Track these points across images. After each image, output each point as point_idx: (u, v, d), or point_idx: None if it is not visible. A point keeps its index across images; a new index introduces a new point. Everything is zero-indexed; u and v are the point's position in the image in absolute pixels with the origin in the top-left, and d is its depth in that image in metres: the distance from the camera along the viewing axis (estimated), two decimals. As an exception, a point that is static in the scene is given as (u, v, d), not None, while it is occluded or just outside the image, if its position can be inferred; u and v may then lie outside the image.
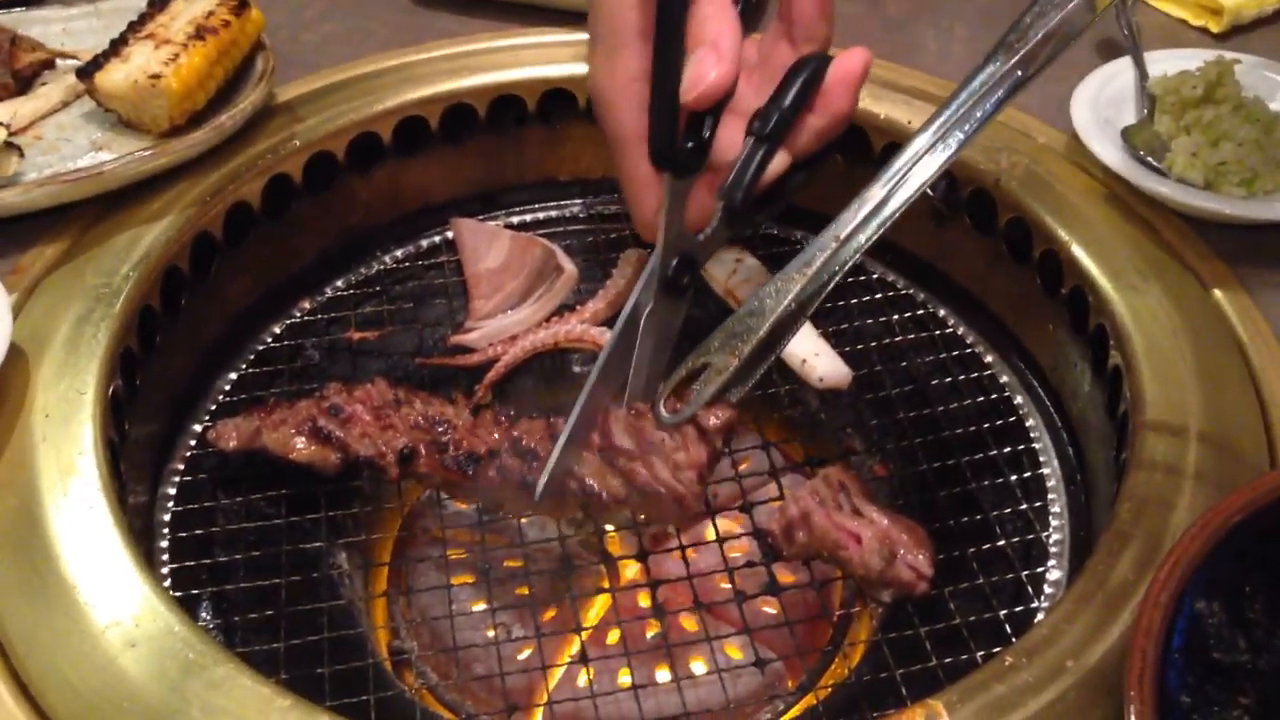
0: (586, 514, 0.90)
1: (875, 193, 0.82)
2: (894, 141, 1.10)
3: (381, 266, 1.17)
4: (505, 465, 0.86)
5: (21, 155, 1.00)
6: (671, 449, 0.86)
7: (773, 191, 0.82)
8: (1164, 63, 1.10)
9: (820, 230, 0.83)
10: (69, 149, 1.06)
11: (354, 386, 0.93)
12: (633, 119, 0.80)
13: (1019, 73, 0.79)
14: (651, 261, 0.84)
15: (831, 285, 0.83)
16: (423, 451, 0.88)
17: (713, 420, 0.86)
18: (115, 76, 1.04)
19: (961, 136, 0.80)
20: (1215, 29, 1.23)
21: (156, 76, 1.01)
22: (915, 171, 0.81)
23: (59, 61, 1.15)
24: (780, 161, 0.80)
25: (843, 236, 0.82)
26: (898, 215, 0.81)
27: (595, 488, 0.86)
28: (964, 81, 0.81)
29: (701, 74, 0.74)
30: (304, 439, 0.90)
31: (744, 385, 0.84)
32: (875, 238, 0.82)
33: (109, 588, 0.74)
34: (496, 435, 0.88)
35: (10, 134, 1.02)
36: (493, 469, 0.86)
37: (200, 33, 1.05)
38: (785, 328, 0.83)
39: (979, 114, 0.80)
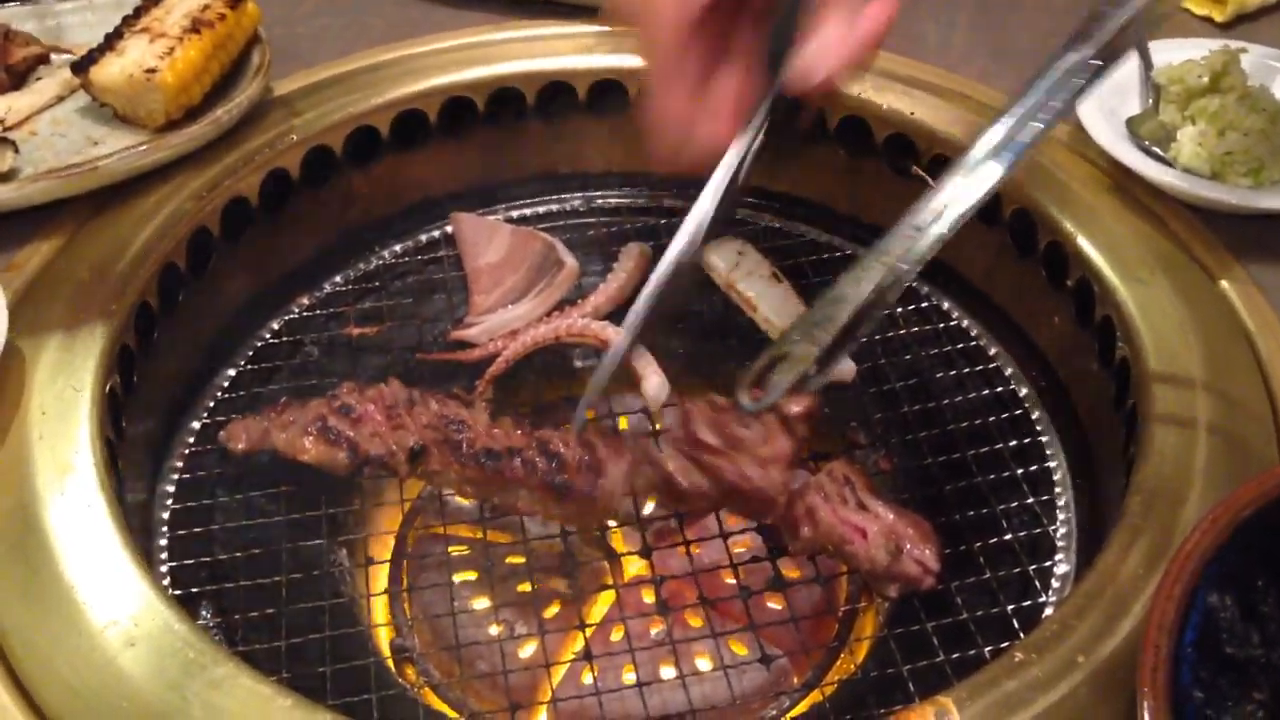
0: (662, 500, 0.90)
1: (954, 183, 0.78)
2: (898, 132, 1.10)
3: (380, 262, 1.16)
4: (529, 460, 0.85)
5: (16, 150, 0.99)
6: (756, 442, 0.85)
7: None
8: (1168, 52, 1.09)
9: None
10: (64, 144, 1.05)
11: (367, 387, 0.92)
12: None
13: (1099, 62, 0.78)
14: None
15: (912, 276, 0.78)
16: (434, 450, 0.87)
17: (794, 409, 0.86)
18: (110, 70, 1.03)
19: (1040, 126, 0.77)
20: (1219, 18, 1.22)
21: (152, 71, 1.00)
22: (988, 166, 0.78)
23: (54, 56, 1.15)
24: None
25: (921, 227, 0.78)
26: (976, 207, 0.78)
27: (681, 483, 0.85)
28: (1041, 71, 0.78)
29: None
30: (313, 439, 0.89)
31: (824, 375, 0.78)
32: (954, 229, 0.78)
33: (107, 586, 0.74)
34: (519, 435, 0.87)
35: (5, 129, 1.01)
36: (516, 461, 0.85)
37: (196, 26, 1.04)
38: (865, 317, 0.78)
39: (1056, 103, 0.78)
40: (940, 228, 0.78)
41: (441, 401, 0.91)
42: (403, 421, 0.89)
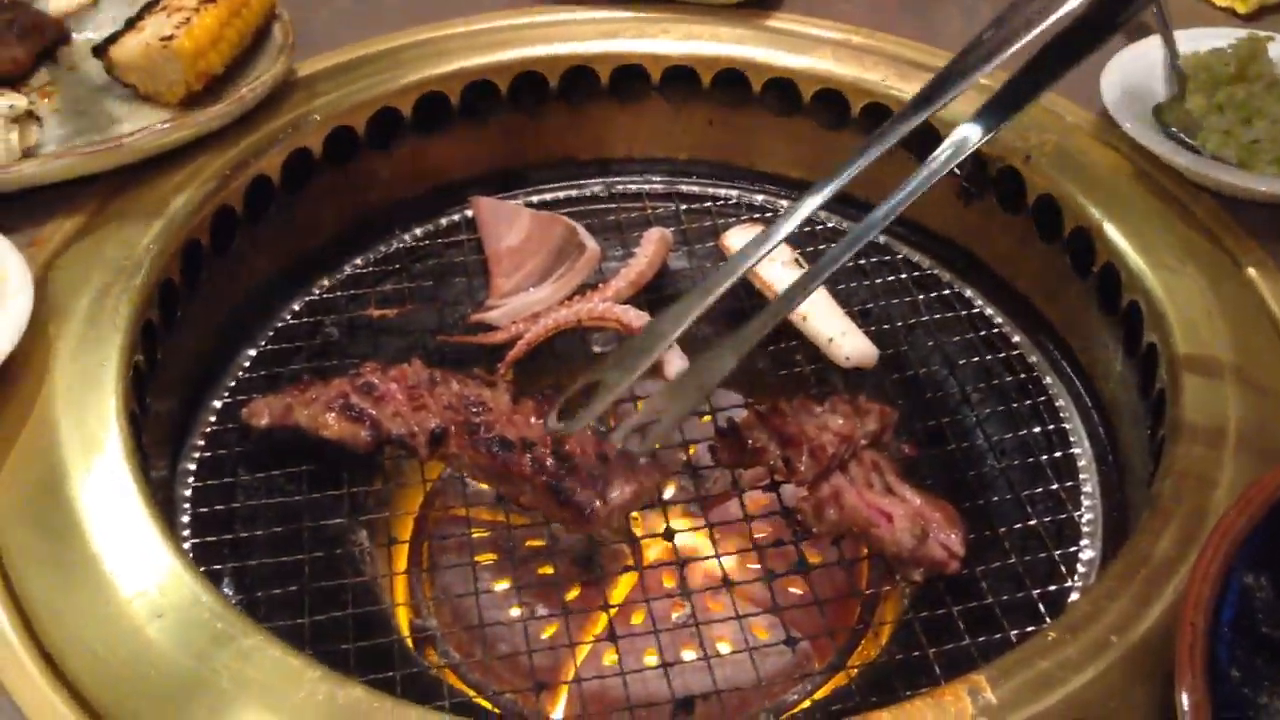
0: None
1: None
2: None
3: (401, 244, 1.16)
4: (539, 459, 0.85)
5: (41, 125, 0.98)
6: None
7: None
8: (1193, 42, 1.09)
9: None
10: (86, 122, 1.05)
11: (390, 366, 0.92)
12: None
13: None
14: None
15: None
16: (454, 432, 0.87)
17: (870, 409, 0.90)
18: (129, 45, 1.03)
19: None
20: (1242, 9, 1.22)
21: (169, 39, 1.00)
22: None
23: (74, 36, 1.14)
24: None
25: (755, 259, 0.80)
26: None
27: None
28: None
29: None
30: (335, 415, 0.89)
31: (674, 419, 0.80)
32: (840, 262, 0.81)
33: (134, 558, 0.73)
34: (535, 425, 0.87)
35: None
36: (526, 458, 0.85)
37: (212, -3, 1.04)
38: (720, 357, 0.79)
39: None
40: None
41: (463, 382, 0.91)
42: (424, 402, 0.89)
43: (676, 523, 0.93)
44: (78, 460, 0.79)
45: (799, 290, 0.81)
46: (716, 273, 0.80)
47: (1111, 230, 0.97)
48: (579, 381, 0.80)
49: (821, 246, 1.13)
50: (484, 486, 1.01)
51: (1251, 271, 0.94)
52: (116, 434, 0.80)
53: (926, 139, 1.09)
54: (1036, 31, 0.78)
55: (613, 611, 0.90)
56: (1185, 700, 0.60)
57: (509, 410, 0.89)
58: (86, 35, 1.14)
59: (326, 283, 1.11)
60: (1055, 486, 0.93)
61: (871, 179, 1.15)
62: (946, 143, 0.81)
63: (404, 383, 0.92)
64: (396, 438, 0.90)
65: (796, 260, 1.08)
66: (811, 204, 0.82)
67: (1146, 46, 1.09)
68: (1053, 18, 0.78)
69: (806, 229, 1.16)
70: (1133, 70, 1.06)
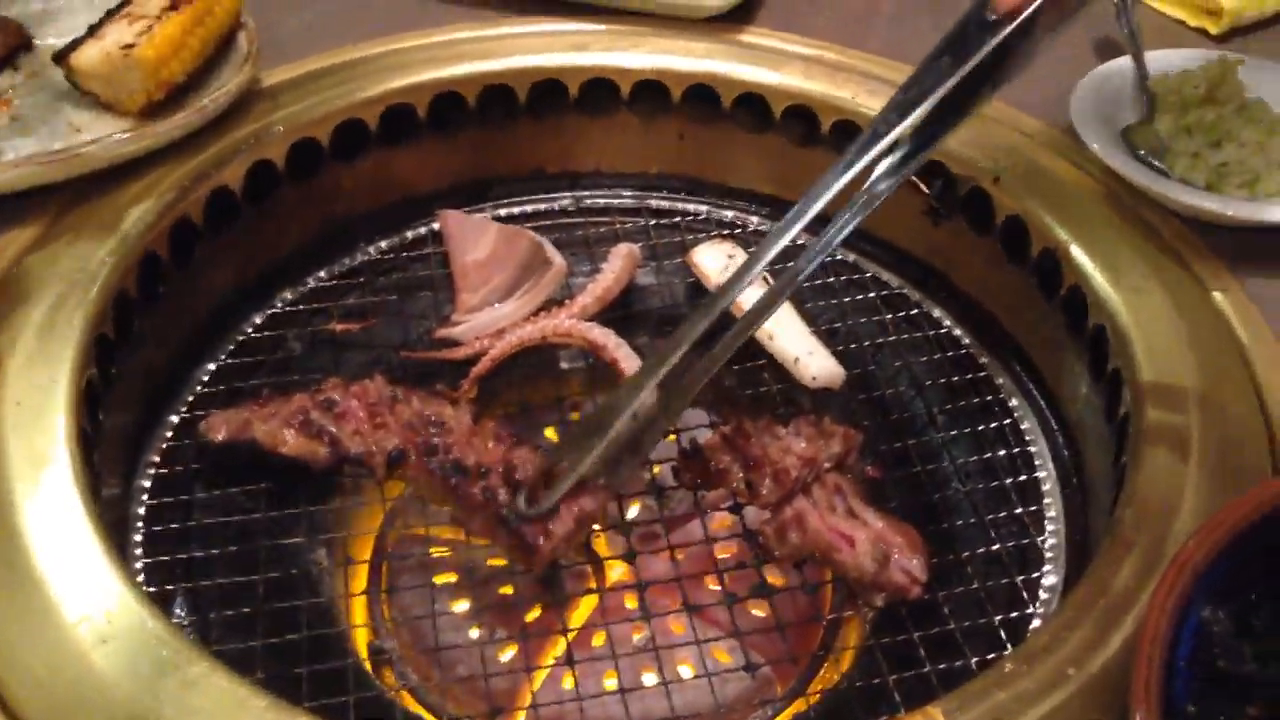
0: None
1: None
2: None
3: (365, 257, 1.14)
4: (492, 488, 0.84)
5: (-4, 132, 0.97)
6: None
7: None
8: (1163, 63, 1.09)
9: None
10: (46, 131, 1.03)
11: (352, 382, 0.91)
12: None
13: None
14: None
15: (688, 394, 0.82)
16: (412, 455, 0.86)
17: (835, 432, 0.90)
18: (89, 53, 1.02)
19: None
20: (1214, 30, 1.22)
21: (129, 46, 0.99)
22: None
23: (36, 43, 1.13)
24: None
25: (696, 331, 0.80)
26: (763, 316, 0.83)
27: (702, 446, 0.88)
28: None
29: None
30: (294, 432, 0.88)
31: (616, 483, 0.84)
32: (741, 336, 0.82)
33: (80, 582, 0.72)
34: (492, 449, 0.86)
35: None
36: (477, 487, 0.84)
37: (174, 4, 1.03)
38: (649, 423, 0.82)
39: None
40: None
41: (424, 400, 0.90)
42: (385, 420, 0.88)
43: (638, 544, 0.92)
44: (24, 479, 0.77)
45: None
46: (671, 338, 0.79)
47: (1078, 252, 0.96)
48: (535, 474, 0.82)
49: (789, 264, 1.12)
50: (445, 507, 1.00)
51: (1218, 296, 0.94)
52: (65, 452, 0.79)
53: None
54: (992, 44, 0.77)
55: (571, 635, 0.89)
56: (1140, 736, 0.60)
57: (468, 432, 0.88)
58: (49, 41, 1.12)
59: (289, 296, 1.10)
60: (1019, 510, 0.93)
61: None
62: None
63: (365, 400, 0.91)
64: (355, 456, 0.89)
65: (765, 279, 1.07)
66: (784, 237, 0.82)
67: (1117, 68, 1.09)
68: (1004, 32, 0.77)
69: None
70: (1103, 91, 1.06)
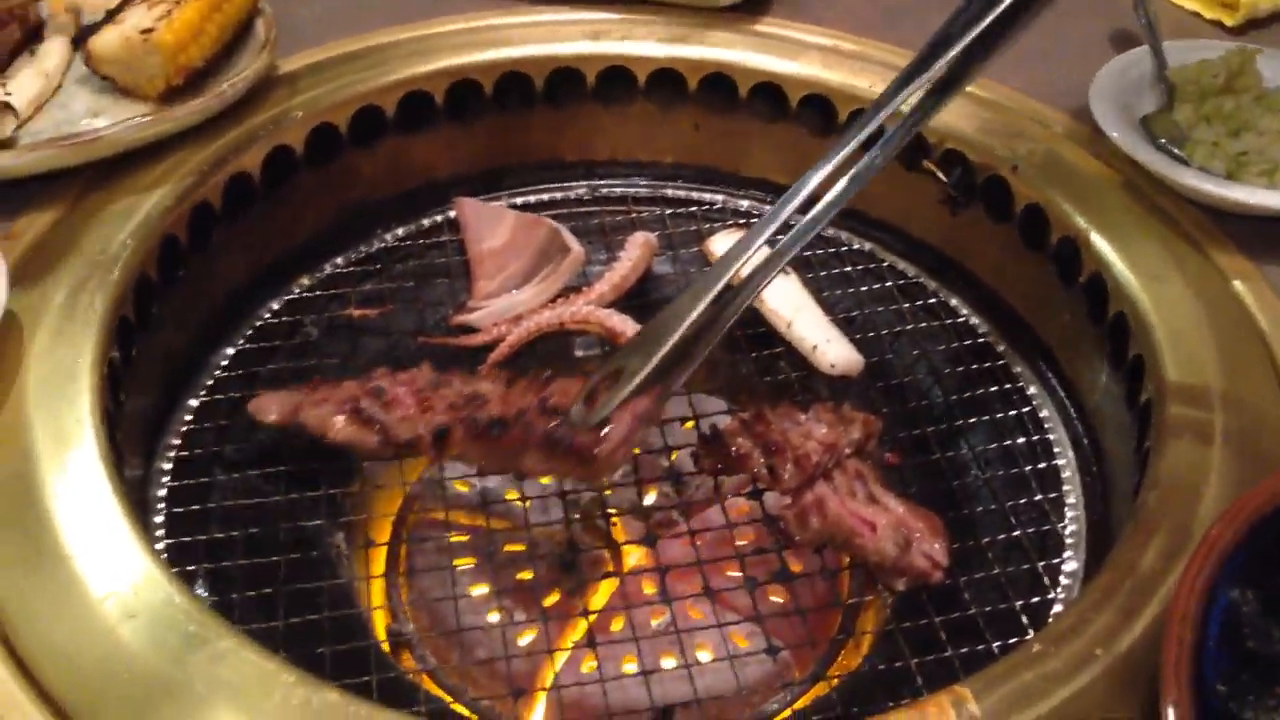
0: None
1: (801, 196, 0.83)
2: (909, 126, 1.09)
3: (382, 244, 1.14)
4: (530, 423, 0.83)
5: (17, 116, 0.97)
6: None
7: None
8: (1181, 53, 1.09)
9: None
10: (65, 115, 1.03)
11: (400, 370, 0.91)
12: None
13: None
14: None
15: (756, 292, 0.83)
16: (458, 430, 0.85)
17: (856, 419, 0.90)
18: (108, 38, 1.02)
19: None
20: (1230, 22, 1.22)
21: (149, 31, 0.99)
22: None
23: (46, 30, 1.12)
24: None
25: (765, 234, 0.82)
26: (831, 214, 0.83)
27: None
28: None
29: None
30: (344, 419, 0.87)
31: (668, 391, 0.83)
32: (804, 242, 0.83)
33: (107, 557, 0.72)
34: (526, 399, 0.85)
35: (19, 124, 0.99)
36: (518, 429, 0.83)
37: (193, -11, 1.03)
38: (706, 331, 0.82)
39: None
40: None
41: (465, 380, 0.89)
42: (430, 404, 0.87)
43: (658, 529, 0.92)
44: (50, 457, 0.77)
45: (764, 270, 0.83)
46: (731, 251, 0.81)
47: (1098, 240, 0.96)
48: (598, 373, 0.81)
49: (807, 253, 1.13)
50: (464, 489, 1.00)
51: (1238, 284, 0.94)
52: (90, 431, 0.79)
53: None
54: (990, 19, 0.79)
55: (592, 618, 0.89)
56: (1171, 715, 0.60)
57: (504, 394, 0.88)
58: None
59: (306, 282, 1.10)
60: (1039, 497, 0.93)
61: (867, 190, 1.16)
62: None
63: (413, 386, 0.90)
64: (405, 442, 0.88)
65: (785, 270, 1.07)
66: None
67: (1135, 57, 1.09)
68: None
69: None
70: (1121, 81, 1.06)
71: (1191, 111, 1.02)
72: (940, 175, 1.08)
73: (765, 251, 0.82)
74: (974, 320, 1.08)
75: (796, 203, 0.82)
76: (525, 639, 0.93)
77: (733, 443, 0.89)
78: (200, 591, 0.85)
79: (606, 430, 0.81)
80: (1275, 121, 0.99)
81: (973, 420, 0.99)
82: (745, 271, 0.82)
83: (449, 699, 0.88)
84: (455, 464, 1.00)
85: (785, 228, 0.83)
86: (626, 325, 1.03)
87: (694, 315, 0.79)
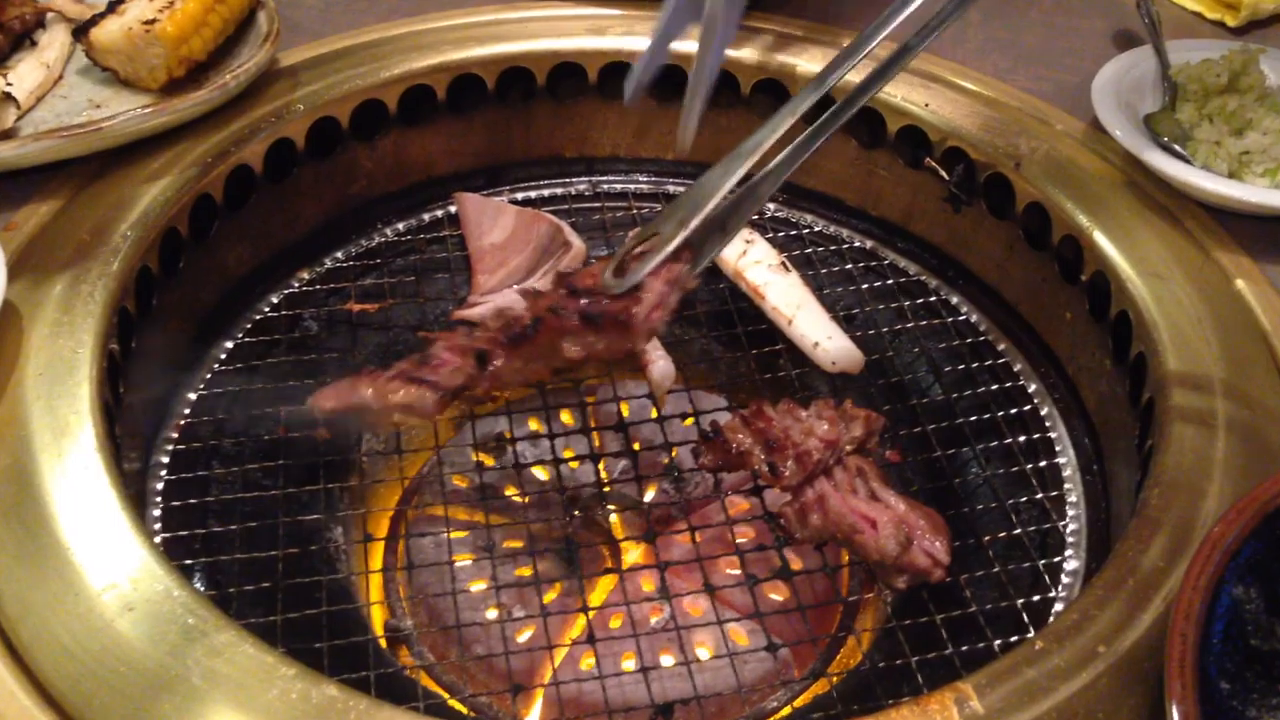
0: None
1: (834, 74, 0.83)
2: (911, 124, 1.09)
3: (382, 239, 1.14)
4: (563, 308, 0.82)
5: (18, 106, 0.96)
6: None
7: None
8: (1184, 53, 1.09)
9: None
10: (66, 106, 1.03)
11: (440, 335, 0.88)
12: None
13: None
14: None
15: (788, 171, 0.83)
16: (496, 348, 0.84)
17: (856, 415, 0.88)
18: (110, 29, 1.02)
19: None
20: (1232, 23, 1.22)
21: (151, 22, 0.99)
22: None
23: (48, 16, 1.12)
24: None
25: (798, 112, 0.81)
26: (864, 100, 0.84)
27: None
28: None
29: None
30: (399, 383, 0.86)
31: (702, 260, 0.82)
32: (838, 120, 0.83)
33: (105, 549, 0.71)
34: (555, 294, 0.84)
35: (20, 114, 0.99)
36: (551, 320, 0.82)
37: (196, -18, 1.03)
38: (739, 205, 0.82)
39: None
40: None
41: (496, 317, 0.88)
42: (467, 346, 0.86)
43: (657, 526, 0.92)
44: (49, 449, 0.77)
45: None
46: (760, 129, 0.81)
47: (1101, 239, 0.96)
48: (631, 239, 0.81)
49: (808, 251, 1.13)
50: (462, 485, 1.00)
51: (1240, 283, 0.94)
52: (89, 422, 0.78)
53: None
54: None
55: (591, 614, 0.89)
56: (1175, 712, 0.59)
57: (533, 304, 0.86)
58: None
59: (306, 275, 1.10)
60: (1040, 495, 0.93)
61: (870, 188, 1.16)
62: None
63: (454, 341, 0.89)
64: (458, 388, 0.86)
65: (783, 264, 1.07)
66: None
67: (1138, 57, 1.09)
68: None
69: (792, 233, 1.15)
70: (1124, 80, 1.06)
71: (1194, 110, 1.02)
72: (942, 173, 1.08)
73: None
74: (975, 318, 1.08)
75: (830, 83, 0.83)
76: (524, 635, 0.92)
77: (733, 439, 0.88)
78: (198, 585, 0.85)
79: (643, 294, 0.80)
80: (1277, 121, 0.99)
81: (974, 418, 0.98)
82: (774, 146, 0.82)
83: (447, 695, 0.87)
84: (454, 460, 1.01)
85: (818, 108, 0.83)
86: (627, 321, 1.03)
87: (730, 184, 0.79)
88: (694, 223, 0.79)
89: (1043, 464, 0.96)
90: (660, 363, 1.00)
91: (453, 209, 1.16)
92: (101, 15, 1.04)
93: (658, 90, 1.17)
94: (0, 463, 0.76)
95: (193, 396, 0.98)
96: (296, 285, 1.09)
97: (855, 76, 0.84)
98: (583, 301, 0.81)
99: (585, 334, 0.82)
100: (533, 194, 1.20)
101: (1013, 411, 0.99)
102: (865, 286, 1.10)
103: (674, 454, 0.98)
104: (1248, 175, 0.98)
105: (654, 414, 0.98)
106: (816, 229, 1.16)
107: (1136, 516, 0.76)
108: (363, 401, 0.85)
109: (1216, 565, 0.65)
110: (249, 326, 1.04)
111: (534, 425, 1.03)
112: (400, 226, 1.15)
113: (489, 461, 1.01)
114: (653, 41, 0.84)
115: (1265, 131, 0.98)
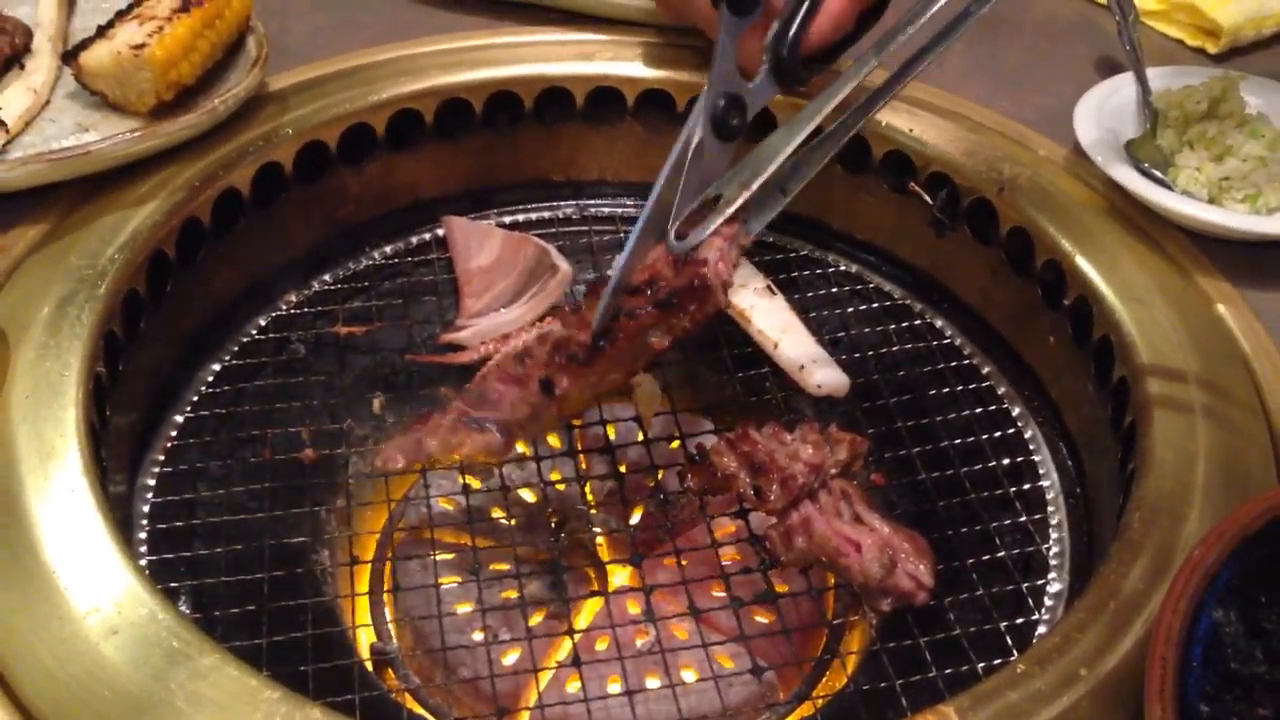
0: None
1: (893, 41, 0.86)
2: (895, 149, 1.10)
3: (370, 262, 1.14)
4: (631, 311, 0.83)
5: (7, 131, 0.97)
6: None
7: (820, 48, 0.89)
8: (1165, 79, 1.10)
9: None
10: (54, 129, 1.03)
11: (493, 370, 0.89)
12: None
13: None
14: (702, 99, 0.83)
15: (850, 131, 0.87)
16: (561, 374, 0.85)
17: (842, 439, 0.89)
18: (99, 54, 1.02)
19: None
20: (1213, 50, 1.24)
21: (140, 47, 0.99)
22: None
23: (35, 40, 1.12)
24: (827, 15, 0.86)
25: (861, 76, 0.84)
26: (928, 62, 0.88)
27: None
28: None
29: None
30: (463, 433, 0.86)
31: (761, 219, 0.86)
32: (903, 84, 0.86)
33: (90, 573, 0.71)
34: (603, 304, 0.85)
35: (8, 138, 0.99)
36: (621, 328, 0.83)
37: (185, 6, 1.03)
38: (799, 168, 0.85)
39: None
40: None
41: (538, 340, 0.88)
42: (525, 377, 0.87)
43: (643, 549, 0.93)
44: (35, 472, 0.77)
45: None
46: (820, 95, 0.84)
47: (1083, 263, 0.97)
48: (695, 201, 0.82)
49: (794, 275, 1.13)
50: (448, 507, 1.00)
51: (1221, 307, 0.94)
52: (75, 445, 0.78)
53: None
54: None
55: (577, 637, 0.89)
56: (1155, 735, 0.60)
57: (578, 320, 0.87)
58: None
59: (294, 298, 1.10)
60: (1023, 519, 0.93)
61: (855, 213, 1.17)
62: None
63: (506, 376, 0.89)
64: (526, 419, 0.87)
65: (769, 287, 1.08)
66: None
67: (1119, 83, 1.10)
68: None
69: (778, 256, 1.16)
70: (1105, 106, 1.07)
71: (1175, 137, 1.03)
72: (926, 198, 1.09)
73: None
74: (959, 342, 1.08)
75: (889, 50, 0.86)
76: (510, 658, 0.92)
77: (719, 462, 0.89)
78: (183, 608, 0.85)
79: (703, 253, 0.82)
80: (1257, 147, 1.00)
81: (958, 441, 0.99)
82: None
83: (432, 718, 0.87)
84: (440, 482, 1.01)
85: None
86: (614, 344, 1.03)
87: (792, 147, 0.81)
88: (755, 184, 0.80)
89: (1026, 487, 0.96)
90: (646, 385, 1.01)
91: (440, 232, 1.16)
92: (90, 39, 1.05)
93: (644, 117, 1.18)
94: (-14, 485, 0.76)
95: (180, 419, 0.98)
96: (284, 308, 1.09)
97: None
98: (649, 291, 0.83)
99: (667, 318, 0.83)
100: (520, 217, 1.21)
101: (996, 435, 1.00)
102: (850, 310, 1.11)
103: (660, 476, 0.99)
104: (1227, 201, 0.99)
105: (640, 437, 0.99)
106: (802, 253, 1.17)
107: (1118, 540, 0.77)
108: (431, 456, 0.85)
109: (1196, 589, 0.65)
110: (236, 349, 1.04)
111: (521, 448, 1.03)
112: (388, 250, 1.15)
113: (476, 484, 1.02)
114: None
115: (1245, 158, 0.99)
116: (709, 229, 0.82)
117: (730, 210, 0.81)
